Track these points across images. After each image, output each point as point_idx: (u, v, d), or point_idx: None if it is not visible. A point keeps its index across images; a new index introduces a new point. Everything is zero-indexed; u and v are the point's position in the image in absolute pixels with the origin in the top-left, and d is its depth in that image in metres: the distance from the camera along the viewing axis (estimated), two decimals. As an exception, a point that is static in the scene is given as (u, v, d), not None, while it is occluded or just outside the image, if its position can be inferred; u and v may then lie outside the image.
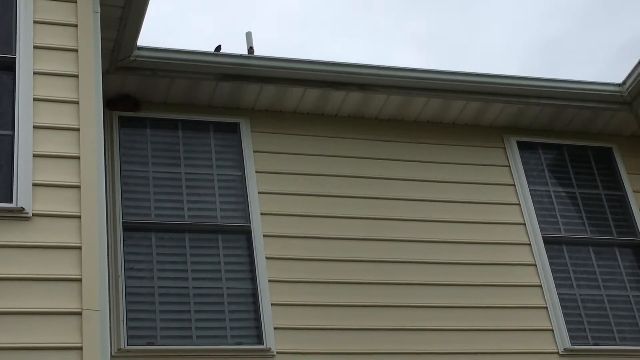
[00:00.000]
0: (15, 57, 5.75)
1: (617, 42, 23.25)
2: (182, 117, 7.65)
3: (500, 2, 24.13)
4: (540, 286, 7.67)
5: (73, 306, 5.02)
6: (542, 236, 7.92)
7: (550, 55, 23.57)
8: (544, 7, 23.86)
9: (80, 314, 5.01)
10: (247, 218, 7.30)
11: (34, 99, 5.63)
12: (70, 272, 5.12)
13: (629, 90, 8.27)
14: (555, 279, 7.74)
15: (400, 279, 7.37)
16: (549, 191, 8.29)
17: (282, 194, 7.50)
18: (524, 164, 8.31)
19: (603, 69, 23.71)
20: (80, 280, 5.10)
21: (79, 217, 5.30)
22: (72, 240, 5.22)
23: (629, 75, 8.26)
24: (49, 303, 5.01)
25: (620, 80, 8.33)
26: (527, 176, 8.23)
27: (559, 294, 7.66)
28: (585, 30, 24.43)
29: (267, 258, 7.14)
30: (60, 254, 5.16)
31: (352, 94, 7.86)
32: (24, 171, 5.34)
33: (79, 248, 5.20)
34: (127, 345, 6.52)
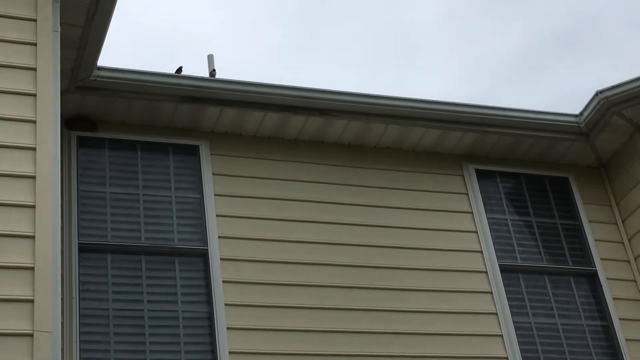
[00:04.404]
0: (-28, 75, 5.70)
1: (544, 98, 23.60)
2: (141, 139, 7.61)
3: (430, 58, 24.49)
4: (496, 314, 7.70)
5: (24, 327, 4.95)
6: (499, 264, 7.95)
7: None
8: (473, 62, 24.24)
9: (31, 335, 4.94)
10: (205, 241, 7.26)
11: (-9, 117, 5.57)
12: (23, 292, 5.04)
13: (585, 121, 8.35)
14: (511, 307, 7.78)
15: (354, 305, 7.36)
16: (506, 219, 8.35)
17: (240, 218, 7.48)
18: (481, 192, 8.35)
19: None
20: (32, 301, 5.03)
21: (33, 237, 5.23)
22: (25, 261, 5.14)
23: (586, 106, 8.34)
24: (0, 324, 4.93)
25: (577, 112, 8.43)
26: (484, 204, 8.28)
27: (514, 322, 7.70)
28: (511, 85, 24.86)
29: (224, 282, 7.10)
30: (13, 274, 5.08)
31: (312, 118, 7.87)
32: (-22, 189, 5.28)
33: (32, 269, 5.13)
34: (80, 367, 6.45)
